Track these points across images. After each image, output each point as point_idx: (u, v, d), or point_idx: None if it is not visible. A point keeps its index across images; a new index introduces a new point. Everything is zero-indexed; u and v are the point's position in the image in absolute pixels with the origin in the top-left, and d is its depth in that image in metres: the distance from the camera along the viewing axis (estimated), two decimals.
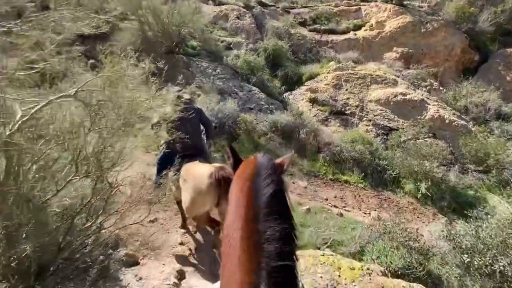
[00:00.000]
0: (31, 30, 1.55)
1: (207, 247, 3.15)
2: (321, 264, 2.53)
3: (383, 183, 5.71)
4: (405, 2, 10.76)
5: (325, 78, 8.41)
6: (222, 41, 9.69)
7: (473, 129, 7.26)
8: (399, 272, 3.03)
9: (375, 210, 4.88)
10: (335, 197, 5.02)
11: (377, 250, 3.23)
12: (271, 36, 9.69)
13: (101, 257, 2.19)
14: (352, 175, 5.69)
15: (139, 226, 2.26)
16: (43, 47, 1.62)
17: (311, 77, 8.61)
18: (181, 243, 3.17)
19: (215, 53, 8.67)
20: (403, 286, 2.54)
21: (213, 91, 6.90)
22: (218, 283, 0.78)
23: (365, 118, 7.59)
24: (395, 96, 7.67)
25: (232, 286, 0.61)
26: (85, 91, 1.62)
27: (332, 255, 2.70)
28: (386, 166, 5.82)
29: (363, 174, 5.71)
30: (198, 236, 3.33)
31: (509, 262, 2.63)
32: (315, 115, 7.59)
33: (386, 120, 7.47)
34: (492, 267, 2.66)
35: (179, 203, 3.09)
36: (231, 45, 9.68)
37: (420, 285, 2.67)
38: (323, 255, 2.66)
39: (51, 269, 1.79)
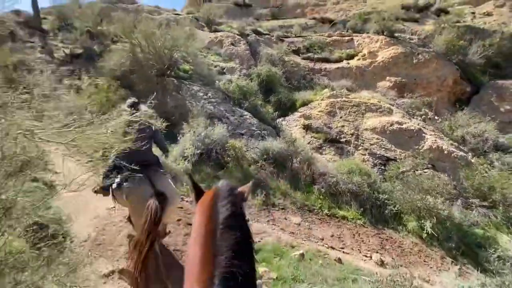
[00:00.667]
0: None
1: None
2: None
3: (383, 220, 5.20)
4: (396, 34, 11.05)
5: (319, 105, 8.21)
6: (215, 66, 9.58)
7: (473, 160, 6.96)
8: None
9: (377, 252, 4.32)
10: (332, 236, 4.46)
11: None
12: (265, 63, 9.65)
13: None
14: (349, 210, 5.19)
15: None
16: None
17: (305, 103, 8.42)
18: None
19: (207, 77, 8.48)
20: None
21: (202, 115, 6.52)
22: None
23: (361, 147, 7.26)
24: (391, 125, 7.43)
25: None
26: None
27: None
28: (386, 201, 5.36)
29: (361, 209, 5.21)
30: None
31: None
32: (309, 143, 7.23)
33: (383, 149, 7.15)
34: None
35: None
36: (225, 70, 9.57)
37: None
38: None
39: None
